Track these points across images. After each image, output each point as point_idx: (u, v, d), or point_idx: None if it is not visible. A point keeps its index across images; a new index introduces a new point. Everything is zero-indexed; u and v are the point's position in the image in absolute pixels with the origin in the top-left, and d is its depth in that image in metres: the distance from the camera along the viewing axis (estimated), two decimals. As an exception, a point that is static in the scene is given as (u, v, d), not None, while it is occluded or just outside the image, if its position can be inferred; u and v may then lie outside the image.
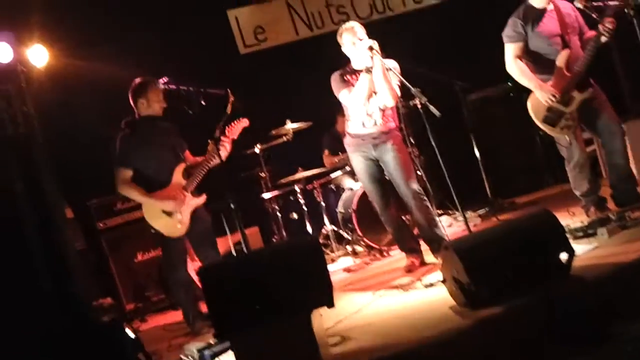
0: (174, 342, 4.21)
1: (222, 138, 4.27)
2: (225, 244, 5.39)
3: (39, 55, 6.08)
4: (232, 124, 4.35)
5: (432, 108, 3.76)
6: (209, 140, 4.28)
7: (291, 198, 6.26)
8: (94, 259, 5.72)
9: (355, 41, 4.27)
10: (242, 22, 7.24)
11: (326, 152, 6.52)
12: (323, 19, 7.46)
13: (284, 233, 6.09)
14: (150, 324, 5.39)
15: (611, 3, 3.95)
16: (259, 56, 7.25)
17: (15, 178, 2.21)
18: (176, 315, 5.21)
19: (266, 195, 6.10)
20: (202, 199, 4.32)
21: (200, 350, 3.27)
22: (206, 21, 6.88)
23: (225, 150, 4.27)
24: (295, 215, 6.35)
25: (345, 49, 4.38)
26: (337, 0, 7.47)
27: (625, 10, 3.88)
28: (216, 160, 4.22)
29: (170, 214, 4.20)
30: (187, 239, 4.36)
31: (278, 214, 6.13)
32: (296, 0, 7.39)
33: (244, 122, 4.45)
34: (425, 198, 4.36)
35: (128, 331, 3.00)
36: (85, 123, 6.33)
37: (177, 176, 4.28)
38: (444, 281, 3.29)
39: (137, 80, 4.34)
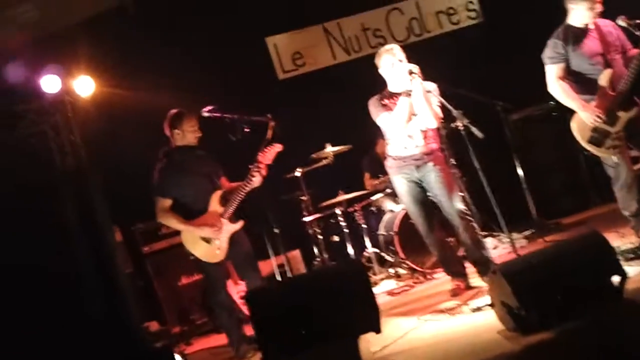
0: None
1: (257, 164, 4.33)
2: (269, 267, 5.41)
3: (85, 86, 6.29)
4: (266, 149, 4.40)
5: (474, 129, 3.74)
6: (250, 166, 4.35)
7: (332, 221, 6.27)
8: (140, 283, 5.81)
9: (394, 63, 4.29)
10: (281, 48, 7.36)
11: (367, 175, 6.52)
12: (360, 43, 7.52)
13: (325, 256, 6.09)
14: (195, 347, 5.43)
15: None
16: (298, 81, 7.35)
17: (68, 204, 2.27)
18: (220, 339, 5.24)
19: (307, 219, 6.12)
20: (239, 224, 4.38)
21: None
22: (245, 49, 7.01)
23: (260, 175, 4.32)
24: (336, 238, 6.35)
25: (384, 71, 4.40)
26: (374, 24, 7.53)
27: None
28: (252, 186, 4.30)
29: (209, 241, 4.30)
30: (229, 262, 4.43)
31: (319, 236, 6.14)
32: (333, 25, 7.48)
33: (278, 147, 4.50)
34: (472, 218, 4.31)
35: (177, 357, 3.04)
36: (129, 150, 6.49)
37: (214, 203, 4.37)
38: (492, 305, 3.24)
39: (172, 111, 4.47)
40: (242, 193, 4.33)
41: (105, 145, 6.46)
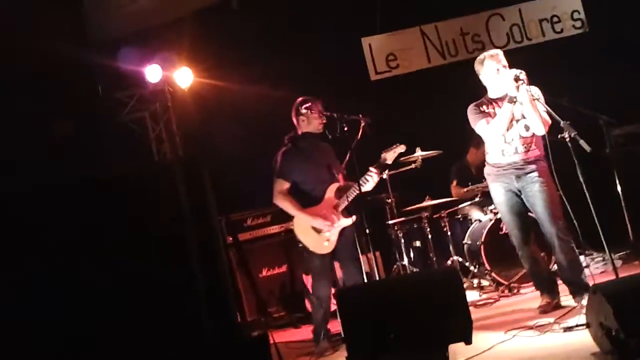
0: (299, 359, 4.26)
1: (371, 168, 4.37)
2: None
3: (184, 77, 6.51)
4: (390, 148, 4.46)
5: (582, 142, 3.58)
6: (369, 168, 4.39)
7: (415, 226, 6.19)
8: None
9: (499, 68, 4.16)
10: (375, 48, 7.34)
11: (454, 182, 6.39)
12: (457, 47, 7.39)
13: (406, 260, 6.02)
14: (271, 340, 5.48)
15: None
16: (391, 83, 7.30)
17: (182, 198, 2.32)
18: (297, 334, 5.30)
19: (391, 222, 6.06)
20: (351, 219, 4.38)
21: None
22: (340, 48, 7.04)
23: (372, 180, 4.37)
24: (418, 243, 6.27)
25: (485, 76, 4.28)
26: (473, 29, 7.38)
27: None
28: (366, 188, 4.36)
29: (319, 231, 4.33)
30: (335, 256, 4.45)
31: (402, 240, 6.07)
32: (430, 28, 7.39)
33: (401, 148, 4.50)
34: (571, 239, 4.12)
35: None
36: (221, 142, 6.67)
37: (330, 194, 4.41)
38: (588, 326, 3.09)
39: (300, 98, 4.53)
40: (357, 190, 4.33)
41: (201, 135, 6.67)
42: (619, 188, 5.49)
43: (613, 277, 3.65)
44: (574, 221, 4.17)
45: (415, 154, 5.85)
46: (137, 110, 6.69)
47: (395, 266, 6.13)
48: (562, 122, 3.75)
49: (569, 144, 3.79)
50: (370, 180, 4.39)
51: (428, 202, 5.97)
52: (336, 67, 6.96)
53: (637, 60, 4.30)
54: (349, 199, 4.33)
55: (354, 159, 4.43)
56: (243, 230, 6.07)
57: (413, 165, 5.96)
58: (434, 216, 6.10)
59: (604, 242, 3.69)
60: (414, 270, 5.98)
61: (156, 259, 2.21)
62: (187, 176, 2.30)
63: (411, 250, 6.20)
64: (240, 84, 6.53)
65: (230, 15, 7.05)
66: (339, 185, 4.43)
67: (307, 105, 4.44)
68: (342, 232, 4.36)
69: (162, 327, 2.21)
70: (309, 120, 4.44)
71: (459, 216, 6.12)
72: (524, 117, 4.14)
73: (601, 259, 5.40)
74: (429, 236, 5.94)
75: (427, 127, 6.58)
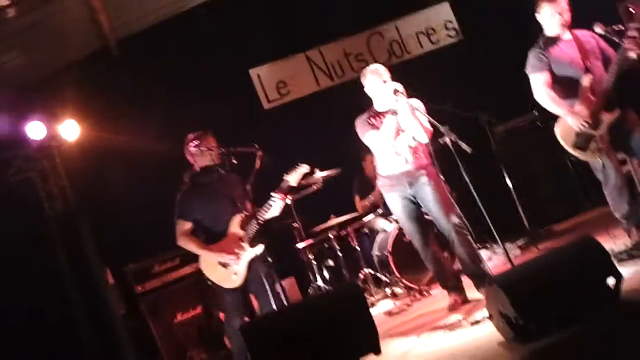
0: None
1: (273, 193, 4.36)
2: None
3: (70, 130, 6.25)
4: (292, 170, 4.47)
5: (462, 144, 3.75)
6: (271, 194, 4.36)
7: (326, 245, 6.24)
8: (135, 324, 5.72)
9: (379, 83, 4.31)
10: (264, 78, 7.42)
11: (357, 197, 6.52)
12: (343, 68, 7.60)
13: (321, 281, 6.05)
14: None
15: (632, 25, 3.93)
16: (284, 110, 7.38)
17: (59, 251, 2.24)
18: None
19: (300, 245, 6.09)
20: (260, 248, 4.33)
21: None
22: (229, 82, 7.06)
23: (276, 205, 4.35)
24: (330, 262, 6.32)
25: (369, 90, 4.42)
26: (356, 49, 7.62)
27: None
28: (272, 213, 4.34)
29: (226, 266, 4.28)
30: (249, 289, 4.38)
31: (313, 262, 6.10)
32: (315, 53, 7.56)
33: (304, 168, 4.50)
34: (467, 232, 4.30)
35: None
36: (117, 192, 6.48)
37: (234, 227, 4.35)
38: (490, 317, 3.21)
39: (190, 135, 4.49)
40: (260, 219, 4.31)
41: (94, 188, 6.45)
42: (507, 180, 5.77)
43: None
44: (465, 219, 4.35)
45: (315, 176, 5.93)
46: (23, 171, 6.37)
47: (311, 288, 6.14)
48: (442, 128, 3.91)
49: (451, 148, 3.97)
50: (275, 206, 4.36)
51: (333, 221, 6.04)
52: (228, 101, 6.96)
53: (511, 61, 4.58)
54: (254, 229, 4.30)
55: (253, 189, 4.41)
56: (151, 277, 5.89)
57: (315, 187, 6.03)
58: (342, 233, 6.17)
59: (495, 234, 3.85)
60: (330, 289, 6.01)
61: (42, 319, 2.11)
62: (65, 239, 2.22)
63: (324, 270, 6.23)
64: (131, 131, 6.38)
65: (112, 62, 6.93)
66: (242, 217, 4.37)
67: (196, 143, 4.41)
68: (252, 262, 4.31)
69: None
70: (203, 154, 4.40)
71: (366, 229, 6.23)
72: (409, 128, 4.30)
73: (502, 250, 5.62)
74: (339, 254, 5.99)
75: (323, 147, 6.68)
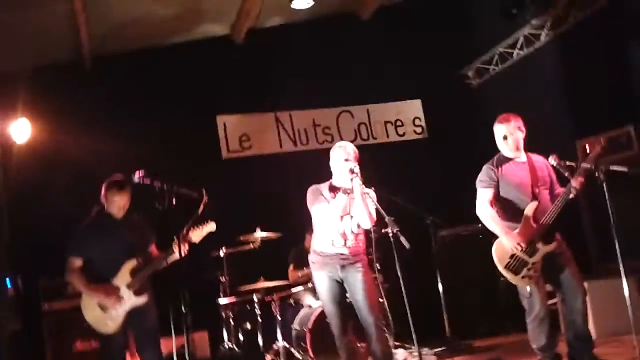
0: None
1: (182, 237, 4.27)
2: (169, 346, 5.14)
3: (21, 130, 6.06)
4: (199, 226, 4.36)
5: (402, 239, 3.77)
6: (174, 238, 4.24)
7: (248, 307, 6.07)
8: (31, 342, 5.41)
9: (341, 159, 4.33)
10: (230, 128, 7.43)
11: (291, 266, 6.43)
12: (308, 137, 7.69)
13: (233, 342, 5.86)
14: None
15: (583, 165, 4.11)
16: (240, 163, 7.36)
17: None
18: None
19: (222, 300, 5.92)
20: (143, 298, 4.27)
21: None
22: (193, 122, 7.04)
23: (180, 251, 4.25)
24: (248, 326, 6.15)
25: (332, 163, 4.43)
26: (325, 122, 7.75)
27: (596, 173, 4.03)
28: (171, 260, 4.28)
29: (105, 309, 4.19)
30: (131, 334, 4.30)
31: (231, 321, 5.93)
32: (285, 115, 7.64)
33: (211, 227, 4.45)
34: (386, 330, 4.26)
35: None
36: (55, 201, 6.26)
37: (124, 272, 4.28)
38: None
39: (113, 176, 4.43)
40: (156, 267, 4.28)
41: (33, 194, 6.23)
42: (439, 285, 5.81)
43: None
44: (388, 312, 4.34)
45: (255, 234, 5.86)
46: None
47: (221, 348, 5.94)
48: (386, 218, 3.94)
49: (391, 239, 3.99)
50: (171, 257, 4.31)
51: (261, 284, 5.92)
52: (188, 141, 6.91)
53: (469, 169, 4.71)
54: (146, 275, 4.29)
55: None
56: (61, 297, 5.63)
57: (252, 246, 5.95)
58: (267, 298, 6.05)
59: (413, 336, 3.83)
60: (239, 352, 5.83)
61: None
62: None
63: (240, 332, 6.05)
64: (81, 147, 6.26)
65: (83, 75, 6.86)
66: (135, 263, 4.30)
67: (103, 191, 4.38)
68: (137, 311, 4.23)
69: None
70: (108, 204, 4.37)
71: (292, 301, 6.12)
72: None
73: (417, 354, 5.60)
74: (259, 319, 5.85)
75: (270, 209, 6.65)
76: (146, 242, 4.45)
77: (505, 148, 4.33)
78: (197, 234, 4.41)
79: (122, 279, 4.27)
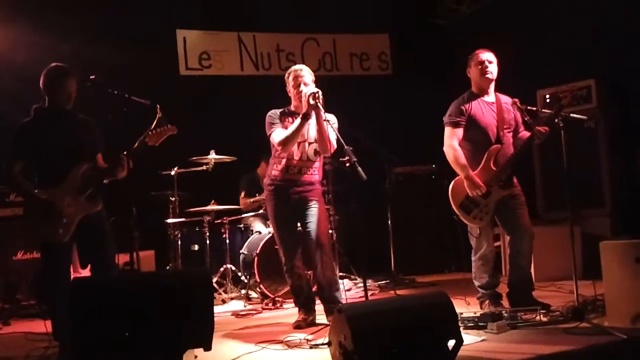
0: (32, 353, 3.85)
1: (124, 155, 3.85)
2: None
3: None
4: (159, 129, 3.96)
5: (359, 170, 3.71)
6: (125, 152, 3.91)
7: (197, 229, 6.03)
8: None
9: (301, 83, 4.21)
10: (190, 44, 7.16)
11: (242, 193, 6.35)
12: (271, 62, 7.49)
13: (180, 263, 5.83)
14: (13, 327, 4.95)
15: (544, 110, 4.10)
16: (198, 81, 7.13)
17: None
18: (42, 326, 4.82)
19: (171, 220, 5.84)
20: (96, 207, 3.89)
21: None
22: (153, 36, 6.72)
23: (125, 166, 3.85)
24: (196, 247, 6.12)
25: (289, 88, 4.31)
26: (289, 48, 7.53)
27: (555, 119, 4.03)
28: (117, 174, 3.88)
29: (54, 217, 3.76)
30: (76, 247, 4.00)
31: (179, 241, 5.87)
32: (249, 37, 7.39)
33: (172, 130, 4.02)
34: (332, 258, 4.27)
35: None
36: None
37: (74, 176, 3.84)
38: (329, 344, 3.17)
39: (53, 65, 3.95)
40: (106, 176, 3.89)
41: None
42: (389, 221, 5.85)
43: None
44: (337, 244, 4.35)
45: (208, 156, 5.74)
46: None
47: (168, 267, 5.91)
48: (345, 147, 3.86)
49: (348, 170, 3.93)
50: (120, 168, 3.86)
51: (212, 207, 5.86)
52: (145, 53, 6.58)
53: (431, 109, 4.66)
54: (96, 185, 3.87)
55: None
56: (4, 205, 5.43)
57: (205, 167, 5.84)
58: (216, 221, 6.00)
59: (360, 267, 3.86)
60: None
61: None
62: None
63: (188, 253, 6.02)
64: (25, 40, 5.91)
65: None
66: (86, 168, 3.87)
67: (47, 82, 3.88)
68: (86, 221, 3.82)
69: None
70: (57, 94, 3.87)
71: (241, 225, 6.10)
72: (316, 141, 4.22)
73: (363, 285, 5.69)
74: (207, 241, 5.81)
75: (226, 132, 6.51)
76: (96, 146, 4.02)
77: (481, 77, 4.22)
78: (155, 137, 3.96)
79: (73, 182, 3.84)
